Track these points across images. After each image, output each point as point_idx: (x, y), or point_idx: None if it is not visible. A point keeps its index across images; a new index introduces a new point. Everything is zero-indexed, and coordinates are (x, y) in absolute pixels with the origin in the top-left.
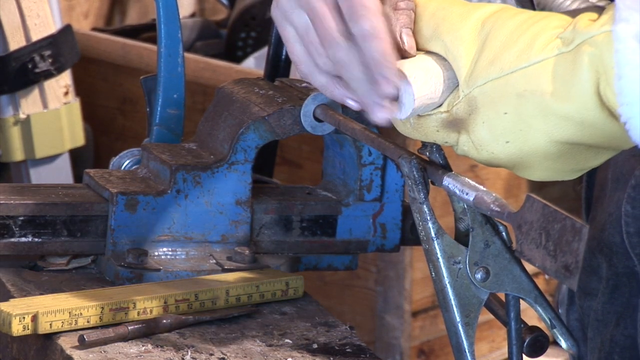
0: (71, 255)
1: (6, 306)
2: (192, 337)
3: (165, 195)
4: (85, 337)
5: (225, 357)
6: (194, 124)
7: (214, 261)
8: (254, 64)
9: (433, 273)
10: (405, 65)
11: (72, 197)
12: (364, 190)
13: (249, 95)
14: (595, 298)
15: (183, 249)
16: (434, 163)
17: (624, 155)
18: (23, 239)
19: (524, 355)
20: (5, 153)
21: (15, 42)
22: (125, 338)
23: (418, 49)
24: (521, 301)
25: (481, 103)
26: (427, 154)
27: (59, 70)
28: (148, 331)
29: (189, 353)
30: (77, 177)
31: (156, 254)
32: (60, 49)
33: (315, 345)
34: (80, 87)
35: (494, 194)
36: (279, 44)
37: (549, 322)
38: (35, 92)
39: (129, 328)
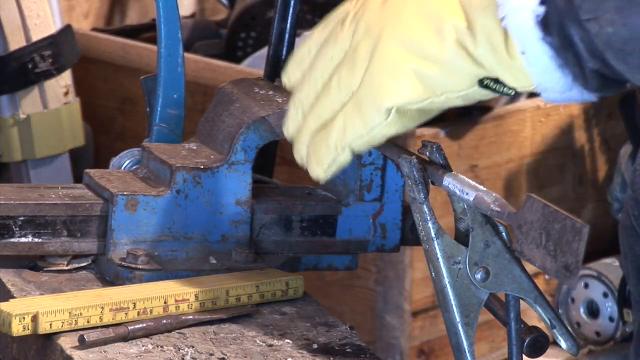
0: (71, 256)
1: (6, 306)
2: (192, 337)
3: (165, 196)
4: (85, 337)
5: (225, 357)
6: (194, 124)
7: (214, 261)
8: (254, 64)
9: (433, 273)
10: None
11: (72, 197)
12: (364, 190)
13: (249, 95)
14: None
15: (183, 249)
16: (434, 163)
17: None
18: (23, 239)
19: (523, 356)
20: (5, 153)
21: (15, 42)
22: (125, 338)
23: None
24: (521, 301)
25: None
26: (427, 154)
27: (59, 70)
28: (148, 331)
29: (189, 353)
30: (77, 177)
31: (156, 254)
32: (61, 49)
33: (315, 346)
34: (80, 87)
35: (494, 194)
36: (279, 44)
37: (549, 322)
38: (35, 92)
39: (129, 328)
